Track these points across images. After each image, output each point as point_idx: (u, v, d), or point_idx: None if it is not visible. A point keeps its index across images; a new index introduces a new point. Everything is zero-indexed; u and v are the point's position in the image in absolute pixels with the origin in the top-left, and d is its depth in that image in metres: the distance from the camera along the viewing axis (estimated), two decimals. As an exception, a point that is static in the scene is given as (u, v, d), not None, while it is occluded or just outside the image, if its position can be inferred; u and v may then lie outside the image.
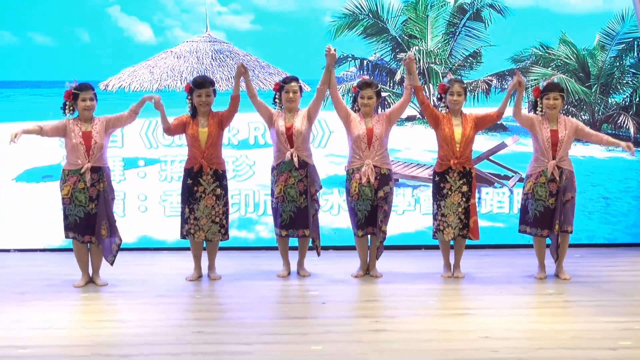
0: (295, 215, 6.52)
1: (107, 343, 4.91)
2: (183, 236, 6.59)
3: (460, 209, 6.52)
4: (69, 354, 4.71)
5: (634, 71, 8.37)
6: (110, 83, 8.14)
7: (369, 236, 6.61)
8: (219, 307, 5.97)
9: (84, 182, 6.21)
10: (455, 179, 6.51)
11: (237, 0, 8.23)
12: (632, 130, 8.31)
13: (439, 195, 6.56)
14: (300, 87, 6.52)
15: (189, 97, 6.47)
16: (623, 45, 8.35)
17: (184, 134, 6.54)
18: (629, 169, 8.32)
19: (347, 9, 8.27)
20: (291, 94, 6.45)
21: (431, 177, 6.75)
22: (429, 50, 8.33)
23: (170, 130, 6.53)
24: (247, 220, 8.20)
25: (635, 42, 8.25)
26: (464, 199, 6.51)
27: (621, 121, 8.35)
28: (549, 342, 4.90)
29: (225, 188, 6.57)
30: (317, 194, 6.62)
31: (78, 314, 5.67)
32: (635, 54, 8.34)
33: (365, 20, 8.30)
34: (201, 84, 6.43)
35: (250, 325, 5.33)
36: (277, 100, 6.59)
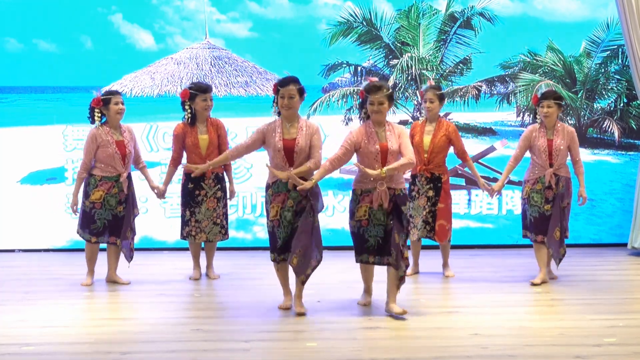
0: (291, 239, 5.45)
1: (108, 340, 4.90)
2: (183, 237, 6.56)
3: (425, 212, 6.49)
4: (71, 351, 4.70)
5: (619, 77, 8.39)
6: (112, 88, 8.11)
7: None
8: (217, 305, 5.96)
9: (118, 187, 6.18)
10: (422, 183, 6.50)
11: (235, 8, 8.23)
12: (616, 134, 8.32)
13: (409, 196, 6.53)
14: (300, 90, 5.42)
15: (189, 104, 6.33)
16: (608, 53, 8.37)
17: None
18: (614, 172, 8.33)
19: (342, 17, 8.27)
20: (286, 100, 5.34)
21: None
22: (420, 57, 8.34)
23: (178, 158, 6.47)
24: (245, 221, 8.19)
25: (620, 50, 8.27)
26: (429, 203, 6.48)
27: (606, 126, 8.37)
28: (536, 339, 4.90)
29: (224, 190, 6.55)
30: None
31: (81, 312, 5.65)
32: (620, 60, 8.35)
33: (359, 27, 8.31)
34: (206, 89, 6.37)
35: (248, 323, 5.33)
36: (275, 104, 5.58)
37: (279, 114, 5.46)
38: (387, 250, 5.32)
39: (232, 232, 7.72)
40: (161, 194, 6.50)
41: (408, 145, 5.32)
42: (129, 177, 6.26)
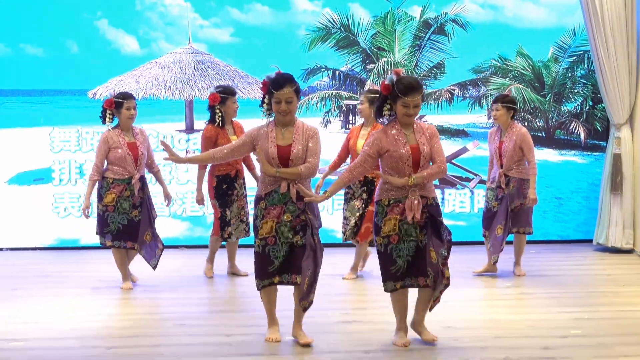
0: (289, 258, 4.67)
1: (94, 335, 4.91)
2: (224, 239, 6.49)
3: (358, 214, 6.32)
4: (58, 346, 4.72)
5: (585, 82, 8.51)
6: (98, 92, 8.11)
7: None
8: (200, 301, 5.97)
9: (130, 190, 6.01)
10: (357, 186, 6.31)
11: (218, 14, 8.25)
12: (582, 135, 8.45)
13: (345, 198, 6.46)
14: (297, 90, 4.58)
15: (219, 107, 6.30)
16: (574, 58, 8.49)
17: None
18: (580, 171, 8.46)
19: (321, 23, 8.32)
20: (283, 104, 4.54)
21: None
22: (396, 61, 8.41)
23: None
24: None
25: (586, 55, 8.39)
26: (362, 205, 6.30)
27: (572, 127, 8.50)
28: (506, 331, 4.98)
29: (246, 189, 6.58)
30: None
31: (67, 309, 5.64)
32: (586, 65, 8.48)
33: (337, 33, 8.36)
34: (235, 92, 6.48)
35: (230, 317, 5.37)
36: (265, 105, 4.65)
37: (270, 114, 4.64)
38: (422, 271, 4.50)
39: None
40: (201, 201, 6.44)
41: (440, 150, 4.57)
42: (141, 179, 6.11)
